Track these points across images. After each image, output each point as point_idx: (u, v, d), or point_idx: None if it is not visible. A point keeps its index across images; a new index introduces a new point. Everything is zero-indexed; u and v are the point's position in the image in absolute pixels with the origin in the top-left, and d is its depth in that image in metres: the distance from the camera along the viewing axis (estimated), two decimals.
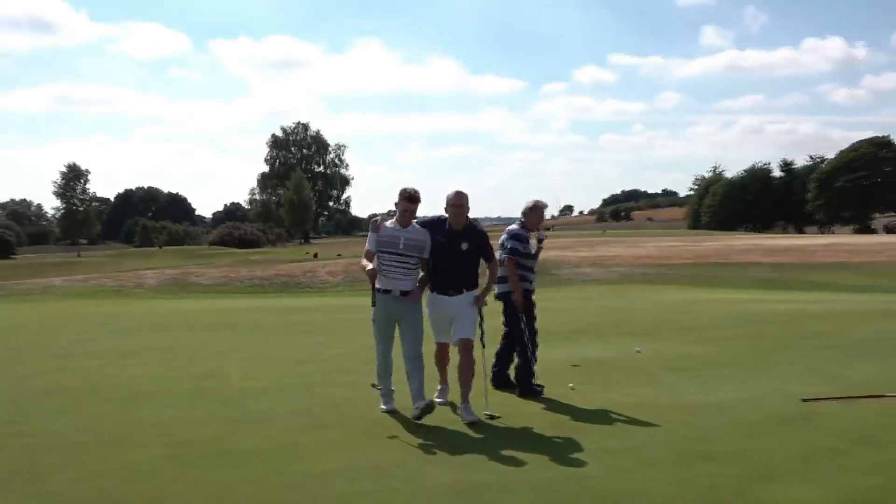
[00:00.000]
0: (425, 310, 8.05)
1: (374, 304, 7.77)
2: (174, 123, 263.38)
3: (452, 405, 8.23)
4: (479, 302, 7.96)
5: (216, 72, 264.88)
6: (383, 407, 8.07)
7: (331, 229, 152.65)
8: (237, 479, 5.99)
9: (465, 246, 7.84)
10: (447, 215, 7.92)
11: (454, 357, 8.21)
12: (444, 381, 8.57)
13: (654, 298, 22.90)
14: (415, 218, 7.85)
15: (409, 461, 6.46)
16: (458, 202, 7.83)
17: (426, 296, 8.10)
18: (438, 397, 8.38)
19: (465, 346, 7.88)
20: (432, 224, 7.93)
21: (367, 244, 7.83)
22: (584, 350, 11.93)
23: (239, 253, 67.00)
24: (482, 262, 8.14)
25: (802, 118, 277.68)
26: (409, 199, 7.67)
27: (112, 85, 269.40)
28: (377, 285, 7.73)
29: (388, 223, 7.79)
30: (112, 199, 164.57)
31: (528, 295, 8.97)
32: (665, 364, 10.73)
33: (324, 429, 7.42)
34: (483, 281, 8.18)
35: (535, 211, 9.08)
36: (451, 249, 7.83)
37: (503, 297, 8.98)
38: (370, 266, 7.68)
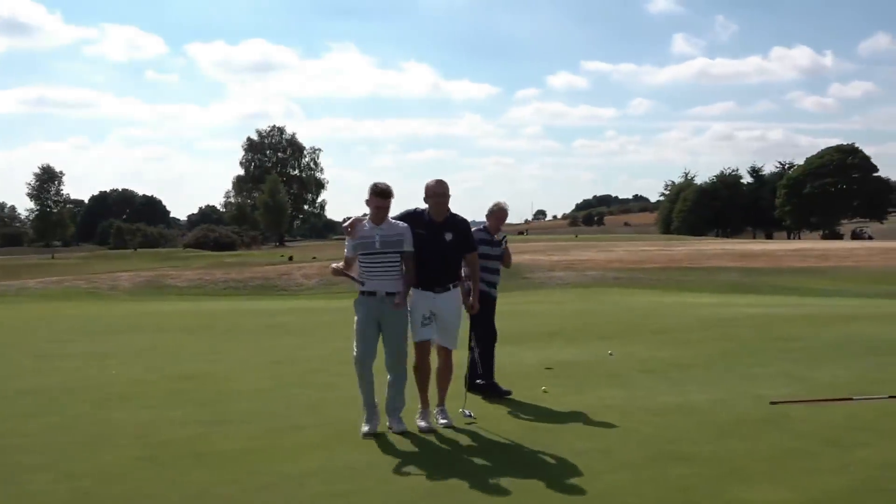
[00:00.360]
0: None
1: (360, 283, 7.38)
2: (150, 126, 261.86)
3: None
4: (471, 308, 7.80)
5: (192, 75, 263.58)
6: (364, 429, 7.31)
7: (306, 232, 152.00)
8: (213, 480, 6.02)
9: (448, 237, 7.50)
10: (426, 206, 7.57)
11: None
12: (425, 402, 7.72)
13: (626, 302, 23.09)
14: (388, 214, 7.43)
15: (383, 462, 6.52)
16: (440, 191, 7.47)
17: (411, 292, 7.66)
18: (421, 420, 7.59)
19: (447, 353, 7.74)
20: (410, 217, 7.55)
21: (345, 251, 7.49)
22: (556, 353, 12.03)
23: (214, 255, 66.63)
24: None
25: (772, 125, 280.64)
26: (381, 194, 7.27)
27: (88, 87, 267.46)
28: (360, 287, 7.39)
29: (364, 224, 7.38)
30: (86, 201, 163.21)
31: (483, 296, 8.30)
32: (637, 367, 10.85)
33: (300, 430, 7.46)
34: (467, 280, 7.87)
35: (493, 214, 9.21)
36: (433, 241, 7.45)
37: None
38: (333, 265, 7.51)
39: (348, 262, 7.45)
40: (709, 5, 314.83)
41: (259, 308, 22.68)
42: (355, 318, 7.37)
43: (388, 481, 6.02)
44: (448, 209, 7.57)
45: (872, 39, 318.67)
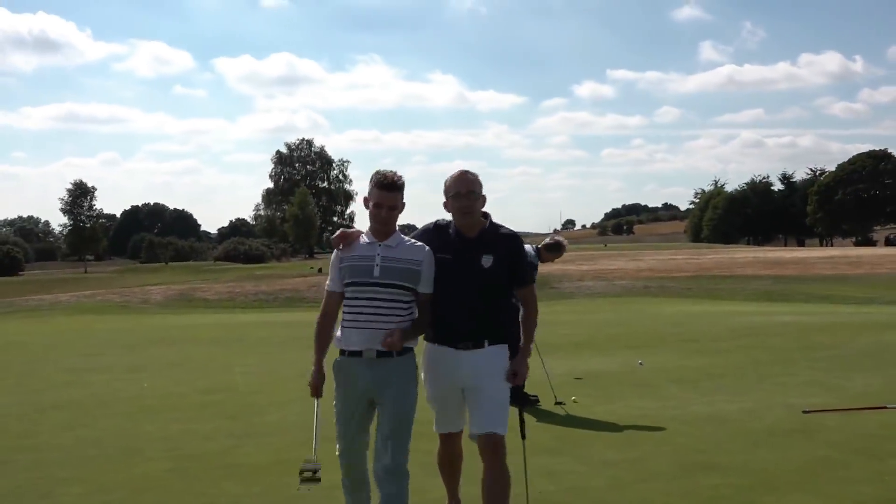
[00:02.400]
0: (421, 380, 4.93)
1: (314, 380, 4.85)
2: (179, 140, 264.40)
3: None
4: (517, 377, 4.92)
5: (220, 89, 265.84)
6: None
7: None
8: (242, 492, 6.06)
9: (486, 261, 4.83)
10: (449, 217, 5.01)
11: (470, 457, 5.40)
12: (453, 498, 5.59)
13: (656, 311, 22.95)
14: (397, 224, 4.89)
15: (413, 473, 6.50)
16: (465, 188, 4.84)
17: (421, 352, 5.01)
18: None
19: (493, 448, 4.88)
20: (426, 238, 4.95)
21: (328, 281, 4.92)
22: (586, 363, 11.98)
23: (244, 268, 67.04)
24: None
25: (801, 132, 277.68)
26: (386, 185, 4.70)
27: (117, 103, 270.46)
28: (340, 343, 4.78)
29: (362, 237, 4.86)
30: (118, 215, 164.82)
31: None
32: (667, 376, 10.78)
33: (328, 442, 7.43)
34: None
35: (551, 250, 8.38)
36: (462, 270, 4.82)
37: None
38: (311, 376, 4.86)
39: (330, 304, 4.86)
40: (736, 12, 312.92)
41: (289, 320, 22.76)
42: (336, 390, 4.83)
43: (418, 492, 5.97)
44: (484, 216, 4.98)
45: None
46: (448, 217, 5.08)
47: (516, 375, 4.91)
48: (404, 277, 4.71)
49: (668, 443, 7.27)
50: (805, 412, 8.21)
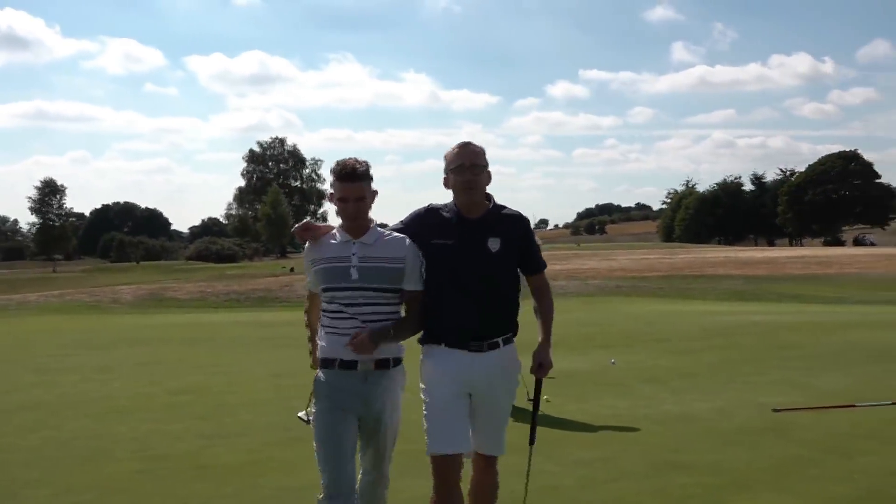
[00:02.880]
0: (418, 389, 4.38)
1: (310, 404, 4.40)
2: (150, 139, 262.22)
3: None
4: (542, 368, 4.36)
5: (191, 87, 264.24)
6: None
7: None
8: (213, 494, 6.00)
9: (494, 245, 4.28)
10: (452, 199, 4.39)
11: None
12: None
13: (628, 311, 23.05)
14: (369, 216, 4.32)
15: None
16: (469, 160, 4.27)
17: (419, 355, 4.45)
18: None
19: (491, 464, 4.56)
20: (421, 220, 4.40)
21: (307, 281, 4.49)
22: (559, 362, 11.93)
23: (216, 268, 66.68)
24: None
25: (772, 132, 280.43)
26: (346, 175, 4.18)
27: (87, 101, 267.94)
28: (324, 353, 4.28)
29: (333, 235, 4.35)
30: (88, 214, 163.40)
31: None
32: (639, 375, 10.82)
33: (300, 442, 7.41)
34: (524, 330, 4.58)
35: None
36: (467, 256, 4.27)
37: None
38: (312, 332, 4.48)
39: (313, 306, 4.48)
40: (707, 13, 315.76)
41: (260, 320, 22.64)
42: (312, 408, 4.32)
43: (390, 492, 5.98)
44: (488, 197, 4.43)
45: (871, 46, 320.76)
46: (442, 200, 4.49)
47: (541, 367, 4.35)
48: (386, 278, 4.22)
49: (640, 442, 7.29)
50: (776, 411, 8.26)
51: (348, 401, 4.20)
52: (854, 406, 8.31)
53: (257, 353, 14.35)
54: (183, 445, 7.42)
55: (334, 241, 4.32)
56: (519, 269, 4.50)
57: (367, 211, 4.29)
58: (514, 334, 4.49)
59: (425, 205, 4.50)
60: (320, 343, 4.30)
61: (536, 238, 4.62)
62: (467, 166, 4.29)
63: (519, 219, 4.46)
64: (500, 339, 4.37)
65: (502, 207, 4.48)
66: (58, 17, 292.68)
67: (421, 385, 4.37)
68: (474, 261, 4.28)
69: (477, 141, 4.36)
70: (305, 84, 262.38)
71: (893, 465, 6.40)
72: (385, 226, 4.46)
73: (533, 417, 4.69)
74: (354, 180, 4.18)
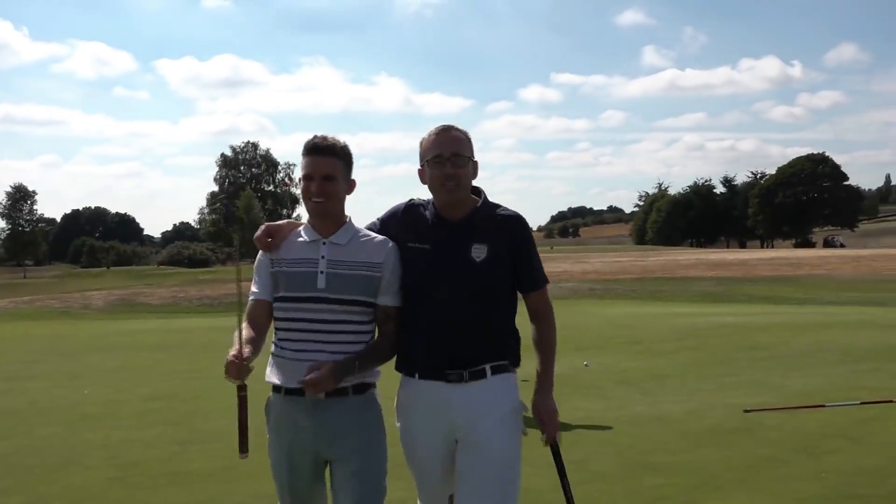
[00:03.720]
0: (390, 428, 3.58)
1: (243, 446, 3.44)
2: (120, 143, 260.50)
3: None
4: (549, 429, 3.63)
5: (162, 91, 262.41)
6: None
7: None
8: (186, 500, 5.98)
9: (479, 253, 3.51)
10: (429, 195, 3.64)
11: None
12: None
13: (602, 313, 23.15)
14: (342, 209, 3.56)
15: None
16: (448, 149, 3.50)
17: (397, 388, 3.68)
18: None
19: None
20: (395, 221, 3.67)
21: (252, 286, 3.67)
22: (532, 364, 12.02)
23: (188, 272, 66.19)
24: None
25: (742, 135, 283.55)
26: (314, 149, 3.48)
27: (56, 105, 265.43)
28: (271, 377, 3.54)
29: (299, 232, 3.59)
30: (58, 219, 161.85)
31: None
32: (612, 377, 10.88)
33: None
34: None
35: None
36: (445, 266, 3.51)
37: None
38: (233, 350, 3.38)
39: (255, 312, 3.60)
40: (677, 17, 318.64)
41: (234, 325, 22.50)
42: (268, 439, 3.61)
43: None
44: (475, 193, 3.67)
45: (838, 50, 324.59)
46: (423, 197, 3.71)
47: (545, 423, 3.57)
48: (359, 288, 3.41)
49: (613, 443, 7.33)
50: (746, 412, 8.32)
51: (296, 439, 3.44)
52: (823, 406, 8.39)
53: None
54: (155, 452, 7.38)
55: (300, 239, 3.53)
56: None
57: (336, 197, 3.48)
58: (512, 363, 3.61)
59: (406, 199, 3.76)
60: (268, 367, 3.54)
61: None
62: (446, 157, 3.49)
63: (514, 221, 3.63)
64: (486, 367, 3.50)
65: (495, 206, 3.65)
66: (26, 21, 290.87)
67: (397, 424, 3.64)
68: (453, 272, 3.49)
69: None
70: (278, 88, 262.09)
71: (861, 464, 6.49)
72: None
73: (565, 491, 3.79)
74: (323, 154, 3.46)
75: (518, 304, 3.72)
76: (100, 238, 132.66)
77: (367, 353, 3.45)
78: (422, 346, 3.51)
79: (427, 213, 3.62)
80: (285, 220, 3.73)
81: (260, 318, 3.54)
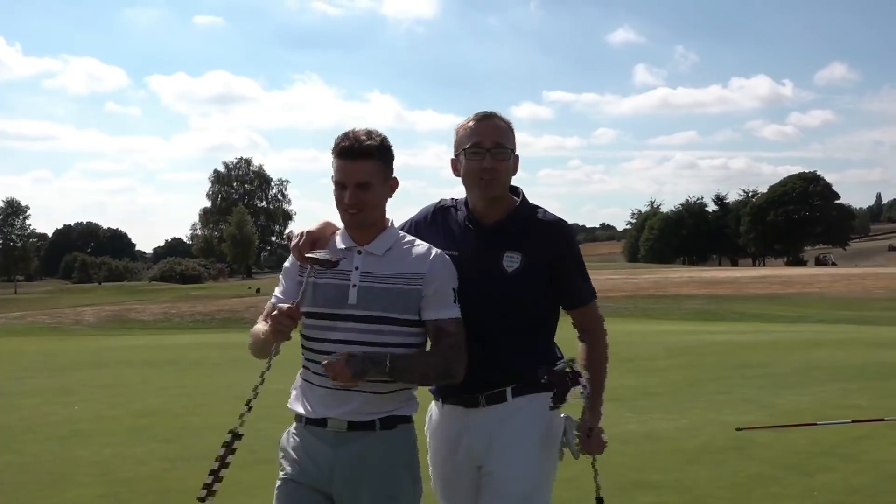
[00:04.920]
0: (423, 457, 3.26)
1: (207, 493, 3.20)
2: (112, 159, 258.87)
3: None
4: (590, 444, 3.42)
5: (154, 107, 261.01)
6: None
7: (273, 264, 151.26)
8: None
9: (511, 263, 3.17)
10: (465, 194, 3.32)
11: None
12: None
13: None
14: (383, 213, 3.12)
15: None
16: (489, 139, 3.14)
17: (427, 412, 3.40)
18: None
19: None
20: (424, 224, 3.37)
21: (276, 290, 3.26)
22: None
23: (180, 288, 66.08)
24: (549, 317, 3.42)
25: (733, 154, 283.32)
26: (348, 151, 2.97)
27: (48, 120, 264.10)
28: (294, 403, 3.21)
29: (335, 238, 3.15)
30: (50, 234, 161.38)
31: None
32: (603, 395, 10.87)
33: (266, 464, 7.35)
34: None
35: None
36: (471, 275, 3.12)
37: None
38: (259, 328, 3.15)
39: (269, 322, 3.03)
40: (669, 36, 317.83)
41: (226, 341, 22.45)
42: (279, 474, 3.19)
43: None
44: (514, 193, 3.33)
45: (829, 69, 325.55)
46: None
47: (590, 438, 3.32)
48: (395, 304, 2.96)
49: (605, 461, 7.21)
50: (738, 430, 8.33)
51: (314, 470, 3.02)
52: (815, 424, 8.40)
53: (222, 374, 14.23)
54: (146, 469, 7.34)
55: (336, 247, 3.10)
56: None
57: (373, 205, 3.01)
58: (539, 381, 3.19)
59: (437, 200, 3.45)
60: (292, 391, 3.20)
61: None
62: (487, 147, 3.10)
63: (555, 227, 3.23)
64: (507, 390, 3.14)
65: (535, 209, 3.26)
66: (18, 36, 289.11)
67: (428, 456, 3.34)
68: (480, 282, 3.11)
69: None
70: (270, 104, 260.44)
71: (853, 483, 6.50)
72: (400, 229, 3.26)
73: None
74: (357, 157, 2.95)
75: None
76: (91, 253, 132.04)
77: (405, 356, 2.95)
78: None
79: (459, 214, 3.28)
80: (324, 221, 3.22)
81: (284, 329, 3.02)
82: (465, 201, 3.29)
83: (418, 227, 3.34)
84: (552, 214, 3.29)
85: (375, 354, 2.88)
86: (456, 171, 3.25)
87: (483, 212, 3.22)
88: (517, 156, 3.25)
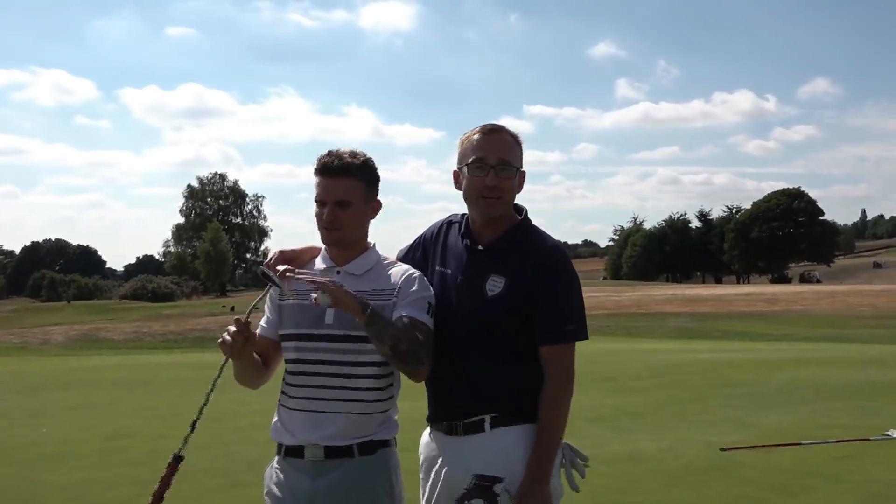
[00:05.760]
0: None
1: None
2: (82, 173, 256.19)
3: None
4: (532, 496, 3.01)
5: (125, 120, 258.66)
6: None
7: (248, 282, 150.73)
8: None
9: (494, 287, 3.02)
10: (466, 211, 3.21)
11: None
12: None
13: (575, 349, 23.10)
14: (364, 234, 3.13)
15: None
16: (494, 154, 3.02)
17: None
18: None
19: None
20: (431, 239, 3.29)
21: (262, 322, 3.20)
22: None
23: (152, 307, 65.62)
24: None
25: (717, 169, 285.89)
26: (329, 169, 2.98)
27: (14, 133, 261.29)
28: (273, 433, 3.12)
29: (315, 263, 3.15)
30: (17, 251, 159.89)
31: None
32: (585, 415, 10.72)
33: (240, 488, 7.21)
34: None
35: None
36: (457, 297, 3.08)
37: None
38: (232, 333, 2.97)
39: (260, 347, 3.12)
40: (650, 50, 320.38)
41: (199, 361, 22.20)
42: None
43: None
44: (518, 210, 3.21)
45: (812, 84, 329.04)
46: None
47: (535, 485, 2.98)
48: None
49: (586, 482, 7.08)
50: (722, 450, 8.23)
51: (299, 497, 2.97)
52: (800, 444, 8.32)
53: (194, 395, 13.91)
54: (116, 493, 7.16)
55: (314, 267, 3.10)
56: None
57: (352, 224, 2.99)
58: (521, 410, 3.02)
59: (446, 218, 3.32)
60: (275, 419, 3.11)
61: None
62: (491, 164, 2.98)
63: (545, 254, 3.05)
64: (486, 419, 2.98)
65: (532, 231, 3.13)
66: None
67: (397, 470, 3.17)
68: (464, 304, 3.03)
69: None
70: (245, 118, 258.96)
71: (837, 503, 6.43)
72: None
73: None
74: (336, 175, 2.94)
75: None
76: (60, 271, 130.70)
77: (388, 317, 2.89)
78: (428, 387, 3.13)
79: (460, 229, 3.17)
80: (305, 246, 3.21)
81: (260, 356, 3.09)
82: (467, 217, 3.19)
83: (425, 242, 3.29)
84: (551, 241, 3.13)
85: (361, 297, 2.83)
86: (458, 185, 3.13)
87: (480, 230, 3.11)
88: (523, 172, 3.12)
